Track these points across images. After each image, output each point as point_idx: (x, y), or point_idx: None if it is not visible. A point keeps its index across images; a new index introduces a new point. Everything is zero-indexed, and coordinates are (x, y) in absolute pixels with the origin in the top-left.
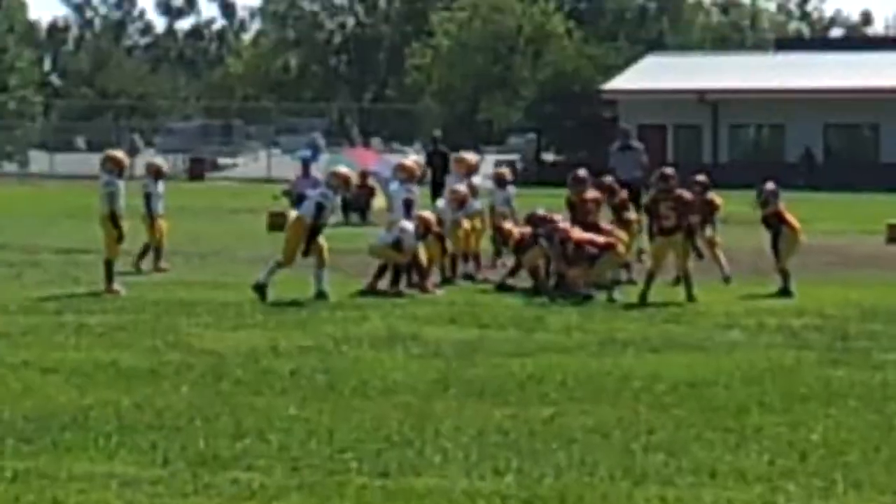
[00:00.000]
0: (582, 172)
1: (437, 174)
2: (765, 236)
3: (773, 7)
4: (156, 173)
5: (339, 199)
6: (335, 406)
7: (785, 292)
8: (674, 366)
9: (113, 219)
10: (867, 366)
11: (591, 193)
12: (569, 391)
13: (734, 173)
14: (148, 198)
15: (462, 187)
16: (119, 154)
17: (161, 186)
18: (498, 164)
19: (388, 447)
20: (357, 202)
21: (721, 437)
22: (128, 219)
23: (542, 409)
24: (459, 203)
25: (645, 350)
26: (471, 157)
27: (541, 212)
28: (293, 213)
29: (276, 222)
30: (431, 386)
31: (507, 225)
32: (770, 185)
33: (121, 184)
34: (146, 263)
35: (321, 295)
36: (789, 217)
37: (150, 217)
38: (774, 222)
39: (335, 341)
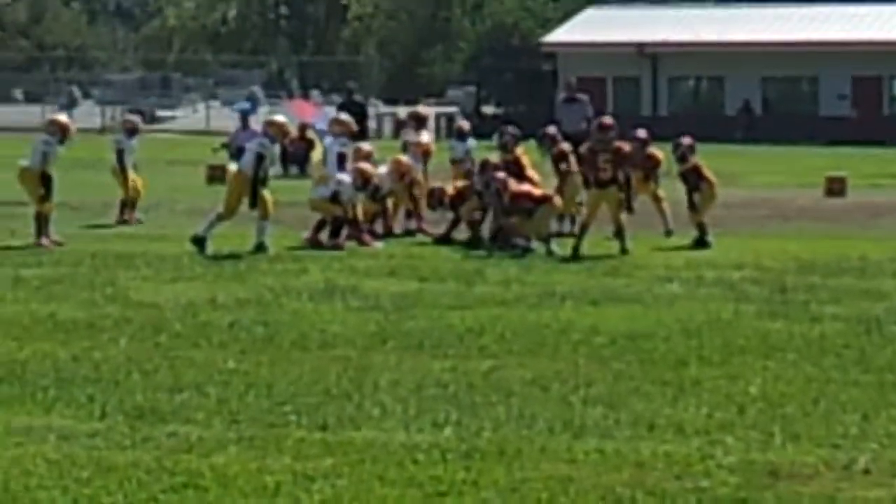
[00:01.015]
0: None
1: None
2: (682, 190)
3: None
4: (130, 129)
5: (277, 149)
6: (274, 359)
7: (702, 243)
8: (613, 319)
9: (43, 178)
10: (805, 318)
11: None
12: (508, 344)
13: (673, 126)
14: (120, 153)
15: (425, 137)
16: (66, 120)
17: (135, 142)
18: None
19: (326, 400)
20: (296, 155)
21: (659, 389)
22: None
23: (481, 362)
24: (401, 175)
25: (584, 303)
26: (423, 110)
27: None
28: (233, 167)
29: (215, 175)
30: (370, 339)
31: (439, 184)
32: (686, 140)
33: (60, 149)
34: (127, 214)
35: (261, 247)
36: (706, 172)
37: (123, 171)
38: (692, 178)
39: (274, 294)
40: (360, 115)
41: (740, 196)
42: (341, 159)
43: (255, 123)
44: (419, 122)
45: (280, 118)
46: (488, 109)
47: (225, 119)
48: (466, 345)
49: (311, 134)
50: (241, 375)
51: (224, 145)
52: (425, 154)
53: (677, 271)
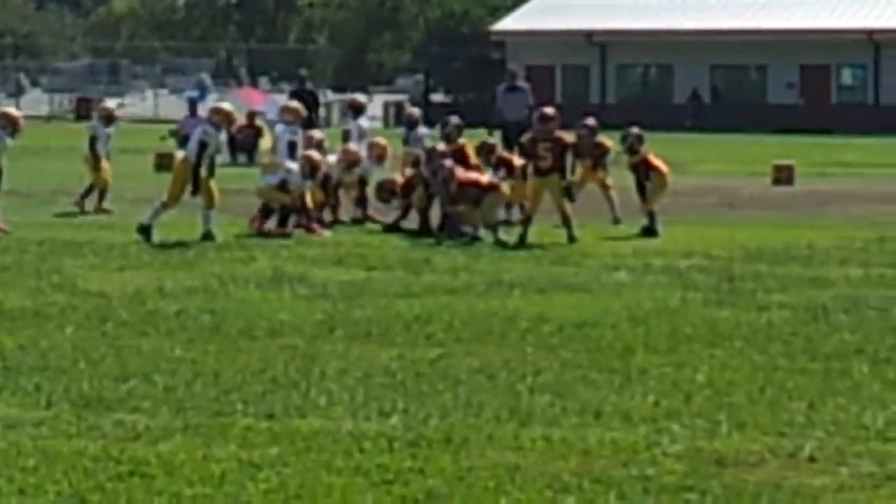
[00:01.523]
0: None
1: None
2: (631, 179)
3: None
4: (107, 117)
5: (223, 136)
6: (221, 347)
7: (650, 231)
8: (560, 307)
9: None
10: (752, 307)
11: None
12: (455, 332)
13: (622, 114)
14: (93, 140)
15: (353, 147)
16: (16, 113)
17: (111, 129)
18: (386, 105)
19: (273, 388)
20: (244, 143)
21: (607, 377)
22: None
23: (429, 351)
24: (349, 164)
25: (532, 291)
26: (360, 98)
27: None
28: (180, 154)
29: (164, 163)
30: (318, 327)
31: (388, 177)
32: (635, 130)
33: (10, 142)
34: (89, 204)
35: (208, 236)
36: (656, 162)
37: (95, 159)
38: (642, 169)
39: (221, 282)
40: (312, 103)
41: (688, 184)
42: (292, 147)
43: (204, 111)
44: (357, 110)
45: (226, 105)
46: (437, 97)
47: (173, 107)
48: (414, 333)
49: (259, 122)
50: (188, 364)
51: (172, 133)
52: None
53: (625, 259)
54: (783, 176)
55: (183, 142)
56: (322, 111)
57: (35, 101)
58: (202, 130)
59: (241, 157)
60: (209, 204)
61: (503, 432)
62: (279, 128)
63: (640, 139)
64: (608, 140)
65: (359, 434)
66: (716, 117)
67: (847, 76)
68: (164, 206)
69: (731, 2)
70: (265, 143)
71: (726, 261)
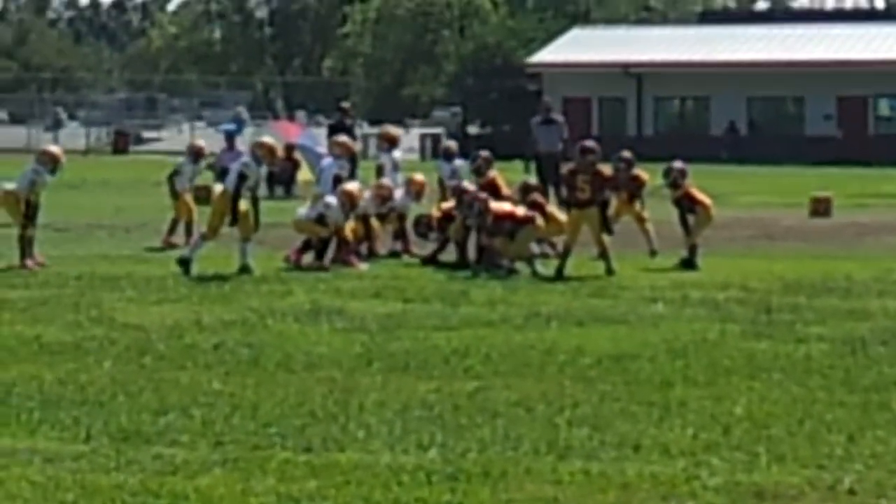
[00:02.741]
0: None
1: None
2: (668, 209)
3: None
4: (196, 153)
5: (263, 170)
6: (259, 380)
7: (689, 264)
8: (598, 339)
9: (28, 203)
10: (790, 339)
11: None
12: (493, 365)
13: (659, 146)
14: (176, 174)
15: (387, 181)
16: (58, 151)
17: (201, 165)
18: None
19: (311, 422)
20: (282, 175)
21: (645, 410)
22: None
23: (467, 383)
24: (383, 199)
25: (569, 323)
26: (394, 130)
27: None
28: (218, 187)
29: (200, 195)
30: (355, 360)
31: (425, 212)
32: (678, 164)
33: (48, 178)
34: (179, 237)
35: (245, 269)
36: (699, 195)
37: (173, 193)
38: (686, 203)
39: (259, 315)
40: (350, 137)
41: (726, 216)
42: (337, 181)
43: (241, 144)
44: (390, 142)
45: (268, 140)
46: (473, 130)
47: (210, 140)
48: (451, 366)
49: (297, 154)
50: (225, 397)
51: (209, 166)
52: (384, 199)
53: (662, 291)
54: (821, 208)
55: (220, 174)
56: (359, 144)
57: (72, 135)
58: (242, 163)
59: (279, 190)
60: (246, 236)
61: (542, 466)
62: (326, 161)
63: (683, 174)
64: (644, 173)
65: (397, 467)
66: (753, 149)
67: (884, 107)
68: (204, 238)
69: (768, 33)
70: (303, 175)
71: (764, 293)
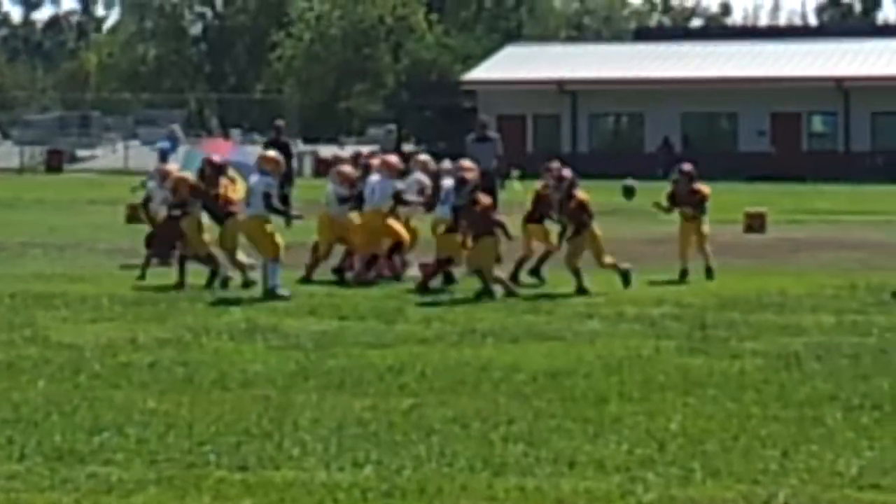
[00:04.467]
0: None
1: None
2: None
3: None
4: (164, 176)
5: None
6: (194, 399)
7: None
8: (533, 356)
9: None
10: (725, 354)
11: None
12: (428, 382)
13: (594, 163)
14: (148, 200)
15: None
16: None
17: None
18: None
19: (247, 440)
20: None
21: (580, 426)
22: None
23: (402, 401)
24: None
25: (504, 340)
26: (424, 158)
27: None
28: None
29: (135, 214)
30: (290, 378)
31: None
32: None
33: None
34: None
35: (273, 293)
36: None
37: (151, 220)
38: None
39: (194, 333)
40: (286, 155)
41: (660, 232)
42: (267, 198)
43: (174, 162)
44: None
45: (272, 153)
46: (409, 147)
47: (144, 158)
48: (387, 383)
49: (231, 172)
50: (160, 416)
51: (143, 184)
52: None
53: (597, 308)
54: (755, 223)
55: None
56: (295, 162)
57: (6, 154)
58: (264, 183)
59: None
60: (274, 257)
61: (477, 482)
62: (253, 178)
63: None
64: (705, 186)
65: (332, 485)
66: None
67: (818, 124)
68: (275, 262)
69: (702, 51)
70: (238, 192)
71: (699, 309)
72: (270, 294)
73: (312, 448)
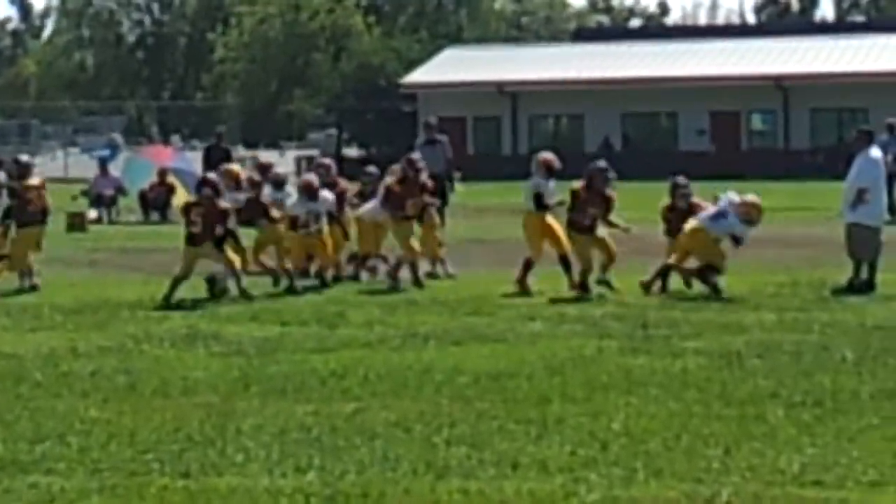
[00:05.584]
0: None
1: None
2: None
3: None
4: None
5: (242, 196)
6: (136, 406)
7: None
8: (476, 358)
9: None
10: (667, 353)
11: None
12: (371, 386)
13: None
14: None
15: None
16: None
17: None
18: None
19: (189, 447)
20: (156, 200)
21: (523, 428)
22: None
23: (344, 405)
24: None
25: (447, 343)
26: (548, 155)
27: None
28: (93, 213)
29: (75, 222)
30: (233, 384)
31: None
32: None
33: None
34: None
35: (216, 288)
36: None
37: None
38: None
39: (135, 341)
40: (226, 160)
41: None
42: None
43: (115, 170)
44: (549, 169)
45: (234, 167)
46: (351, 152)
47: (84, 166)
48: (329, 388)
49: (171, 178)
50: (102, 424)
51: (83, 192)
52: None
53: (539, 309)
54: None
55: (94, 201)
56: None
57: None
58: (231, 199)
59: (154, 215)
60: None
61: (420, 486)
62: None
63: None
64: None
65: (275, 491)
66: (627, 165)
67: (757, 122)
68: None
69: (641, 50)
70: (178, 199)
71: (641, 308)
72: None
73: (255, 454)
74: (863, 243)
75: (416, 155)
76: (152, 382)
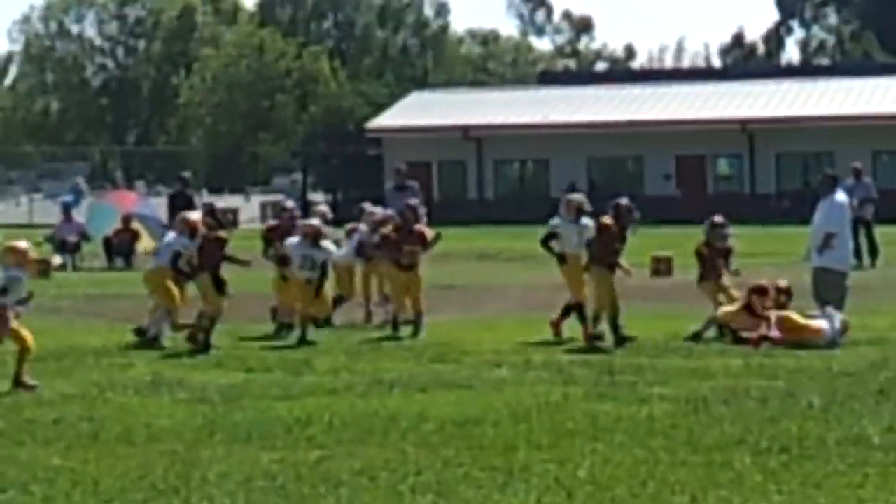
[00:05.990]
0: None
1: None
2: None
3: (542, 45)
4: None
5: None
6: (99, 455)
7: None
8: (441, 405)
9: None
10: (633, 400)
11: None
12: (336, 433)
13: (500, 209)
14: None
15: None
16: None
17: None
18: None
19: (154, 495)
20: (121, 246)
21: (489, 475)
22: None
23: (310, 453)
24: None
25: (412, 389)
26: (578, 197)
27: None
28: (57, 259)
29: (39, 269)
30: (197, 432)
31: None
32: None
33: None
34: None
35: (157, 339)
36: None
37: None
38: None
39: (99, 388)
40: (188, 207)
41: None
42: (176, 257)
43: (79, 216)
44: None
45: (193, 216)
46: (317, 196)
47: (48, 212)
48: (294, 435)
49: (135, 224)
50: (66, 473)
51: (47, 238)
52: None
53: (505, 355)
54: (661, 267)
55: (59, 247)
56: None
57: None
58: (181, 243)
59: (118, 261)
60: (169, 310)
61: None
62: (170, 235)
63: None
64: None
65: None
66: (593, 209)
67: (723, 166)
68: (165, 312)
69: (606, 94)
70: (143, 245)
71: (607, 354)
72: (152, 340)
73: (220, 502)
74: (830, 288)
75: (413, 200)
76: (116, 430)
